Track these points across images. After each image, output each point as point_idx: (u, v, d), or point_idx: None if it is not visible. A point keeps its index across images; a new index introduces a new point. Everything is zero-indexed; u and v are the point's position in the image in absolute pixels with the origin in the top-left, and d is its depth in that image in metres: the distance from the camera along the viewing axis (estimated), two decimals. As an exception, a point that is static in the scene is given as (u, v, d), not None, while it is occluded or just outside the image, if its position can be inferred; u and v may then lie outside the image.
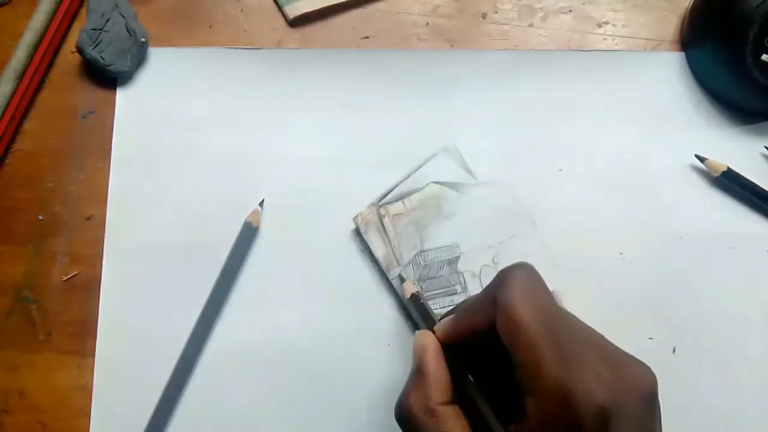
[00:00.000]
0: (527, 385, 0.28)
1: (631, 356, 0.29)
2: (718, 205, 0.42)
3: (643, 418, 0.27)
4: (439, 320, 0.33)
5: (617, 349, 0.29)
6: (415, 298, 0.37)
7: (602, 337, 0.29)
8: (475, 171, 0.42)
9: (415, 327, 0.40)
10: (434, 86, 0.43)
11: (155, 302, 0.40)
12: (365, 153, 0.42)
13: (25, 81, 0.42)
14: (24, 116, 0.43)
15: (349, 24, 0.44)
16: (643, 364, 0.28)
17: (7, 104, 0.42)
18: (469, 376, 0.31)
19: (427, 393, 0.30)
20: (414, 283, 0.39)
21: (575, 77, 0.43)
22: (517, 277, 0.30)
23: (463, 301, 0.35)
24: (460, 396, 0.30)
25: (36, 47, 0.43)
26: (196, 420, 0.39)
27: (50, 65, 0.44)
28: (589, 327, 0.30)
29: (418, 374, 0.31)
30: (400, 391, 0.38)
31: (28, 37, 0.42)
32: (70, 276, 0.41)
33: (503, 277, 0.30)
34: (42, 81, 0.43)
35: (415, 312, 0.37)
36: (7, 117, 0.42)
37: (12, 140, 0.42)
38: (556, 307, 0.29)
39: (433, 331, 0.32)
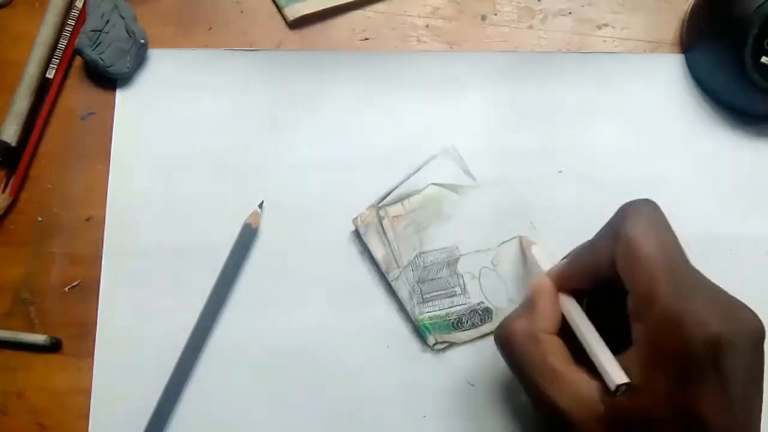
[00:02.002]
0: (640, 314, 0.28)
1: (742, 302, 0.29)
2: (717, 207, 0.42)
3: (751, 357, 0.27)
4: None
5: (728, 294, 0.29)
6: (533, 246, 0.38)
7: (714, 283, 0.30)
8: (474, 173, 0.42)
9: (415, 329, 0.40)
10: (434, 88, 0.43)
11: (154, 303, 0.40)
12: (365, 154, 0.42)
13: (38, 127, 0.43)
14: (39, 139, 0.43)
15: (349, 26, 0.44)
16: (752, 311, 0.28)
17: (24, 123, 0.42)
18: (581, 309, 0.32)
19: (534, 321, 0.31)
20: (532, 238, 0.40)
21: (575, 79, 0.43)
22: (641, 211, 0.30)
23: (573, 250, 0.35)
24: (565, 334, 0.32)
25: (47, 61, 0.43)
26: (196, 422, 0.39)
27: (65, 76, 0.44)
28: (701, 273, 0.30)
29: (528, 304, 0.32)
30: (398, 392, 0.38)
31: (39, 52, 0.43)
32: (72, 285, 0.41)
33: (626, 210, 0.31)
34: (57, 94, 0.43)
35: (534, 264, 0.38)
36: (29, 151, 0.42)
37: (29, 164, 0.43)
38: (678, 245, 0.30)
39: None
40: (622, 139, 0.42)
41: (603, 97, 0.43)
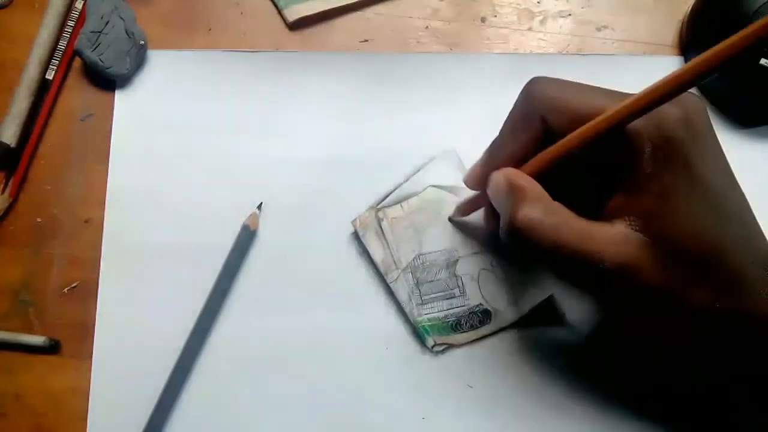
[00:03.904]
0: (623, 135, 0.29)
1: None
2: (717, 210, 0.42)
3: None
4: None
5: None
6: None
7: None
8: (473, 174, 0.42)
9: (413, 331, 0.40)
10: (433, 90, 0.43)
11: (153, 305, 0.40)
12: (364, 156, 0.42)
13: (37, 128, 0.43)
14: (39, 139, 0.43)
15: (349, 27, 0.44)
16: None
17: (24, 124, 0.42)
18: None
19: (536, 198, 0.31)
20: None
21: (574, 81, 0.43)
22: (541, 82, 0.32)
23: (491, 145, 0.36)
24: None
25: (47, 62, 0.43)
26: (194, 423, 0.39)
27: (63, 78, 0.44)
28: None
29: (514, 194, 0.31)
30: (396, 394, 0.38)
31: (38, 53, 0.42)
32: (71, 286, 0.41)
33: (528, 89, 0.32)
34: (57, 95, 0.43)
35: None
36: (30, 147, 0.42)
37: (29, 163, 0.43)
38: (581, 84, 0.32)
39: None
40: (622, 141, 0.42)
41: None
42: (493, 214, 0.38)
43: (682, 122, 0.29)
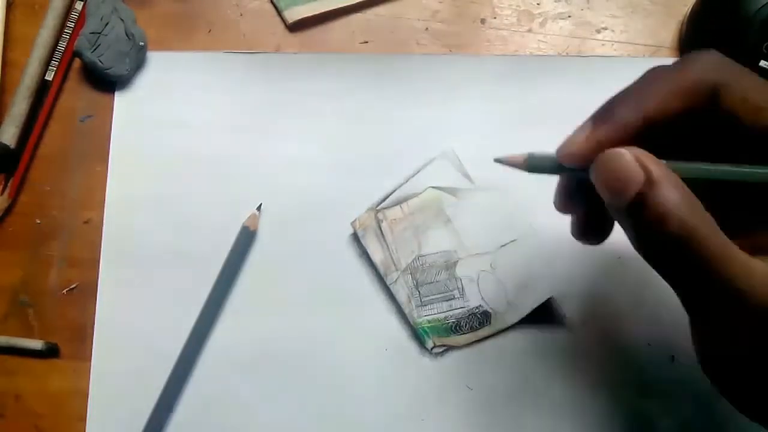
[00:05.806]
0: None
1: None
2: (716, 211, 0.42)
3: None
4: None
5: None
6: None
7: None
8: (473, 176, 0.42)
9: (413, 333, 0.40)
10: (433, 91, 0.43)
11: (152, 306, 0.40)
12: (363, 157, 0.42)
13: (37, 129, 0.43)
14: (39, 139, 0.43)
15: (349, 29, 0.44)
16: None
17: (23, 125, 0.42)
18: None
19: (676, 184, 0.24)
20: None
21: (574, 83, 0.43)
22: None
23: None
24: None
25: (47, 63, 0.43)
26: (193, 425, 0.39)
27: (62, 81, 0.44)
28: None
29: (647, 174, 0.25)
30: (396, 395, 0.38)
31: (38, 54, 0.43)
32: (70, 288, 0.41)
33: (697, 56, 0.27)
34: (56, 96, 0.43)
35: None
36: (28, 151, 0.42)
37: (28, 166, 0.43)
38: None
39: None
40: (621, 143, 0.42)
41: (601, 100, 0.43)
42: (579, 198, 0.31)
43: None
